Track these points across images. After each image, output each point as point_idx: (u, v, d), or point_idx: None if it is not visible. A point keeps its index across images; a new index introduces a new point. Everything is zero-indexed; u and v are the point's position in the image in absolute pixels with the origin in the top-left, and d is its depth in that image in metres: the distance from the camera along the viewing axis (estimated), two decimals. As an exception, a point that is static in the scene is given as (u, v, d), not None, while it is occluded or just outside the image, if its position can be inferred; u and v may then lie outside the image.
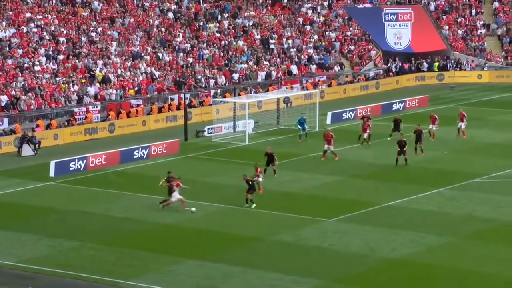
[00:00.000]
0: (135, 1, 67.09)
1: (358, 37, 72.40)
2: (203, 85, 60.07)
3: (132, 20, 64.07)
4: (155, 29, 64.39)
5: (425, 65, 71.21)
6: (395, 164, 41.78)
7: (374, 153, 45.04)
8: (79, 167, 41.95)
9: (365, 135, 45.81)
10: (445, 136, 48.64)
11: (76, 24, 61.44)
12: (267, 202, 36.13)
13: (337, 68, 68.36)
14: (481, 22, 75.29)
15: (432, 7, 76.58)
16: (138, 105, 54.71)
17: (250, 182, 35.02)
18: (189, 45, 63.77)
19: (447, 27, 74.49)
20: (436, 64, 71.33)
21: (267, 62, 65.23)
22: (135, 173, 41.90)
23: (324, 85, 64.42)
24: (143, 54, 60.70)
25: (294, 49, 68.16)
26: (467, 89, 66.87)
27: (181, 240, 31.59)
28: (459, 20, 75.77)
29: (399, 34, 72.28)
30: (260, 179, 36.88)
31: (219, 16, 69.04)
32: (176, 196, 34.44)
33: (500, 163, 42.58)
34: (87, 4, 64.34)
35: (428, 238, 31.32)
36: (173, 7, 68.06)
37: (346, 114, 54.90)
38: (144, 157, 44.42)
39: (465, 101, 61.71)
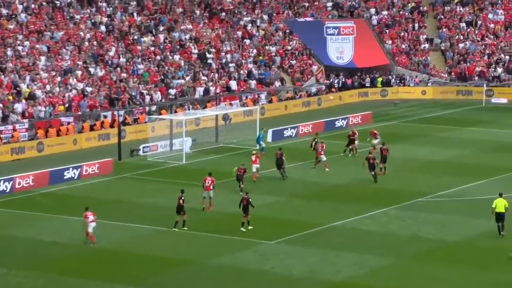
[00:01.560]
0: (65, 13, 66.50)
1: (299, 52, 73.06)
2: (138, 102, 59.77)
3: (62, 33, 63.48)
4: (86, 43, 63.90)
5: (368, 80, 72.14)
6: (374, 181, 42.41)
7: (318, 171, 45.37)
8: (5, 188, 41.24)
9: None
10: (389, 154, 49.24)
11: (1, 38, 60.58)
12: (205, 224, 36.04)
13: (277, 84, 68.82)
14: (424, 37, 76.77)
15: (374, 21, 77.80)
16: (68, 123, 54.12)
17: (245, 203, 34.79)
18: (123, 60, 63.44)
19: (390, 42, 75.73)
20: (380, 79, 72.36)
21: (205, 78, 65.30)
22: (66, 194, 41.38)
23: (264, 101, 64.72)
24: (74, 69, 60.15)
25: (233, 64, 68.41)
26: (411, 105, 67.99)
27: (113, 265, 31.27)
28: (402, 34, 77.12)
29: (341, 49, 73.16)
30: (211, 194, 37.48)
31: (154, 30, 68.91)
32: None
33: (444, 181, 43.32)
34: (13, 16, 63.52)
35: (372, 259, 31.62)
36: (105, 19, 67.69)
37: (287, 132, 55.20)
38: (75, 177, 43.96)
39: (409, 118, 62.73)
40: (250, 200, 34.95)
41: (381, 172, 44.03)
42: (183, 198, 35.00)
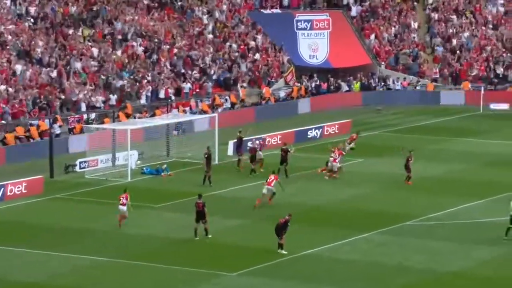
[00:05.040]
0: (-17, 1, 66.13)
1: (265, 49, 73.30)
2: (73, 108, 59.58)
3: (-20, 25, 63.11)
4: (9, 37, 63.55)
5: (346, 83, 72.31)
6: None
7: (291, 189, 45.49)
8: None
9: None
10: (371, 169, 49.62)
11: None
12: (155, 253, 36.00)
13: (240, 87, 68.94)
14: (415, 24, 77.22)
15: (353, 12, 78.25)
16: (-11, 133, 53.87)
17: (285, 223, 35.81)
18: (55, 57, 63.20)
19: (373, 37, 76.13)
20: (356, 85, 72.39)
21: (152, 79, 65.25)
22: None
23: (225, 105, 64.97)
24: (-5, 69, 59.86)
25: (186, 63, 68.45)
26: (397, 112, 68.52)
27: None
28: (386, 28, 77.56)
29: (314, 46, 73.58)
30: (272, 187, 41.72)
31: (93, 22, 68.74)
32: None
33: (436, 201, 43.70)
34: None
35: (353, 294, 31.87)
36: (34, 9, 67.35)
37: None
38: (-2, 198, 43.77)
39: (394, 127, 63.19)
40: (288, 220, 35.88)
41: (409, 182, 46.25)
42: (204, 203, 37.04)
